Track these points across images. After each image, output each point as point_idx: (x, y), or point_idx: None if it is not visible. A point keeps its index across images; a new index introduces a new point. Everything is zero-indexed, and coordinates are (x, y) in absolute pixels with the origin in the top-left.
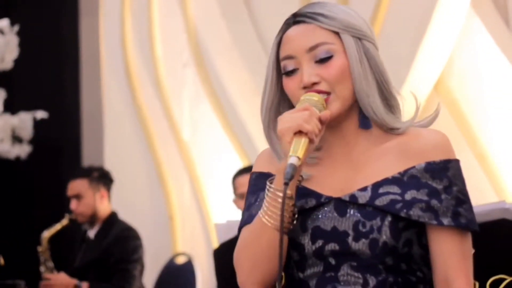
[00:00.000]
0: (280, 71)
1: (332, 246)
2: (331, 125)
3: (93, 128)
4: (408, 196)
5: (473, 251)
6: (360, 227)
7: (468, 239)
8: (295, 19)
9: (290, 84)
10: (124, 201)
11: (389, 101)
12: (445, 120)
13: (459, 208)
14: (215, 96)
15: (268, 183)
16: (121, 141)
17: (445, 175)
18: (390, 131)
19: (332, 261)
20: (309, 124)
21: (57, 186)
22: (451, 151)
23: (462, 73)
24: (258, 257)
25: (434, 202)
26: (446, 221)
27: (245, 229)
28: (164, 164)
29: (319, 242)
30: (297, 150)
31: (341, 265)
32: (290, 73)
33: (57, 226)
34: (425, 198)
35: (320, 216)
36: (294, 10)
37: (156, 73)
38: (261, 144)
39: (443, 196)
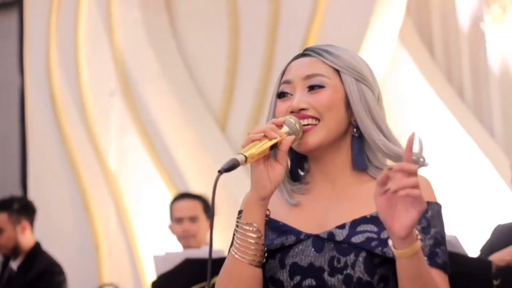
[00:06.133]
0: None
1: (309, 281)
2: (317, 159)
3: (6, 155)
4: (385, 234)
5: None
6: (335, 263)
7: (445, 280)
8: (304, 52)
9: (281, 107)
10: (49, 230)
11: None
12: None
13: (437, 249)
14: (143, 125)
15: (237, 219)
16: (45, 168)
17: (423, 216)
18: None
19: None
20: (261, 127)
21: None
22: (432, 193)
23: (389, 102)
24: None
25: None
26: None
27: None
28: (89, 192)
29: (297, 278)
30: (247, 149)
31: None
32: (283, 95)
33: None
34: None
35: (298, 252)
36: (221, 40)
37: (82, 100)
38: (189, 174)
39: (420, 236)
